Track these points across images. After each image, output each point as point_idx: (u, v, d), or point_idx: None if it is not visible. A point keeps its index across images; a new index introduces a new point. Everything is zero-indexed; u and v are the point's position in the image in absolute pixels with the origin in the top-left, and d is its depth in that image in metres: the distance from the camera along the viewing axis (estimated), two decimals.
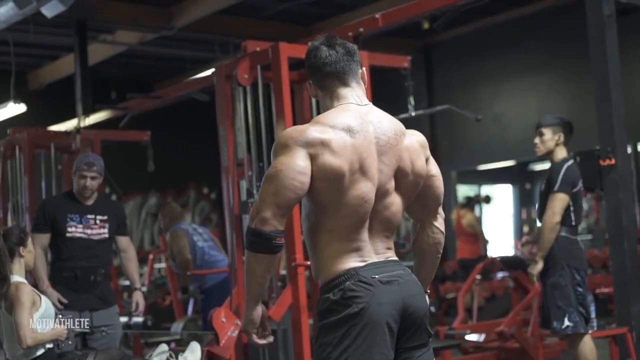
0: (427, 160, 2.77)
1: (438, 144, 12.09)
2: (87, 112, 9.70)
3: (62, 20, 9.27)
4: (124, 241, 5.73)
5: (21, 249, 4.55)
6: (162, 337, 8.12)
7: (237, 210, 5.67)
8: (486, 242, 11.78)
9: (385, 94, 8.23)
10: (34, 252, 4.67)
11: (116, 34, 10.93)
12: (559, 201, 5.39)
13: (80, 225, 5.47)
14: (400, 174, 2.68)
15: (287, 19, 10.67)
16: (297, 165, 2.54)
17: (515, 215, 16.01)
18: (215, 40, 11.08)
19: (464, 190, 14.02)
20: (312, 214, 2.65)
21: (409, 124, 2.85)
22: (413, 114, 6.44)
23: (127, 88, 10.89)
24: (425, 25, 9.59)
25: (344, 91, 2.72)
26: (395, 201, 2.68)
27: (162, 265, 10.87)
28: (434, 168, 2.80)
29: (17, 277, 4.52)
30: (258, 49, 5.60)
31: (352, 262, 2.61)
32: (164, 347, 5.09)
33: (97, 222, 5.52)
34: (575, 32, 5.70)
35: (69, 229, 5.44)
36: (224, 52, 10.84)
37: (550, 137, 5.51)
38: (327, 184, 2.58)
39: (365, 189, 2.59)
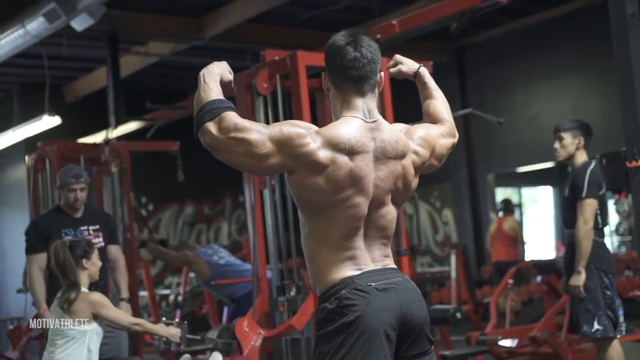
0: (433, 150, 2.83)
1: (473, 147, 11.98)
2: (120, 124, 9.79)
3: (94, 33, 9.38)
4: (113, 250, 5.78)
5: (84, 261, 4.57)
6: (196, 345, 8.15)
7: (260, 220, 5.67)
8: (524, 244, 11.67)
9: (411, 97, 8.23)
10: (98, 264, 4.68)
11: (149, 45, 11.02)
12: (589, 207, 5.32)
13: None
14: (395, 191, 2.68)
15: (316, 26, 10.65)
16: (259, 159, 2.56)
17: (556, 217, 15.82)
18: (246, 49, 11.09)
19: (505, 194, 13.86)
20: (305, 223, 2.65)
21: None
22: None
23: (162, 98, 10.95)
24: (454, 26, 9.49)
25: (356, 101, 2.68)
26: (390, 211, 2.68)
27: None
28: (434, 162, 2.86)
29: (82, 288, 4.58)
30: (276, 57, 5.59)
31: (347, 271, 2.58)
32: (186, 357, 5.11)
33: (91, 232, 5.57)
34: (609, 31, 5.60)
35: None
36: (254, 61, 10.84)
37: (570, 142, 5.45)
38: (313, 197, 2.58)
39: (355, 201, 2.58)
